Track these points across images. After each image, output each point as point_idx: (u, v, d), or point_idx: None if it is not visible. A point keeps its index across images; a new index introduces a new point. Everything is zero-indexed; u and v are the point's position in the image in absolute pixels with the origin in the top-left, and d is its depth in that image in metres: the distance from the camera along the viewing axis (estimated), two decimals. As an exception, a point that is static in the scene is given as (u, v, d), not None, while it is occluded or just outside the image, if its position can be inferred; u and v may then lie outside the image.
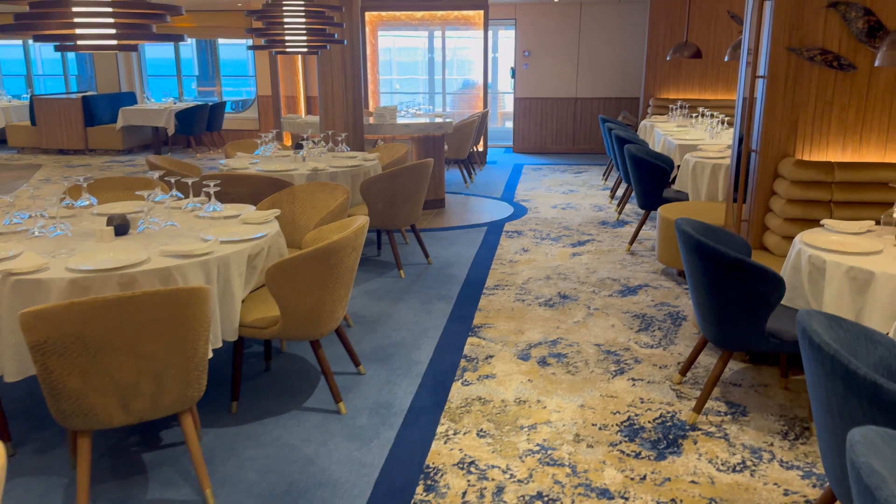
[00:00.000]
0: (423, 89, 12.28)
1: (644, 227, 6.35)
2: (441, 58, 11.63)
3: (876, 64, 2.75)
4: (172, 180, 3.57)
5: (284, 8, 5.14)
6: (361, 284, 4.91)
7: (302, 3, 5.19)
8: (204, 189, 3.41)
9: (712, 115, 7.02)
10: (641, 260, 5.46)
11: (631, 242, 5.74)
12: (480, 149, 10.66)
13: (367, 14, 10.50)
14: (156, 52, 14.87)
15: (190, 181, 3.39)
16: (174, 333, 2.34)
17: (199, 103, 11.58)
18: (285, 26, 5.23)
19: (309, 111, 12.11)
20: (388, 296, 4.68)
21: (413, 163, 5.00)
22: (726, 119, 6.87)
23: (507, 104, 13.98)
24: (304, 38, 5.34)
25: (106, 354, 2.25)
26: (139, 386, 2.35)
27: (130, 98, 12.22)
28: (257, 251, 3.08)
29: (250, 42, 11.66)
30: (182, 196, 3.66)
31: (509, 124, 12.83)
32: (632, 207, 7.30)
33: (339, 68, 6.23)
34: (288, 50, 5.34)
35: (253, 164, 5.26)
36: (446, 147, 8.51)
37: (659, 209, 5.04)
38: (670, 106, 8.56)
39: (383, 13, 10.65)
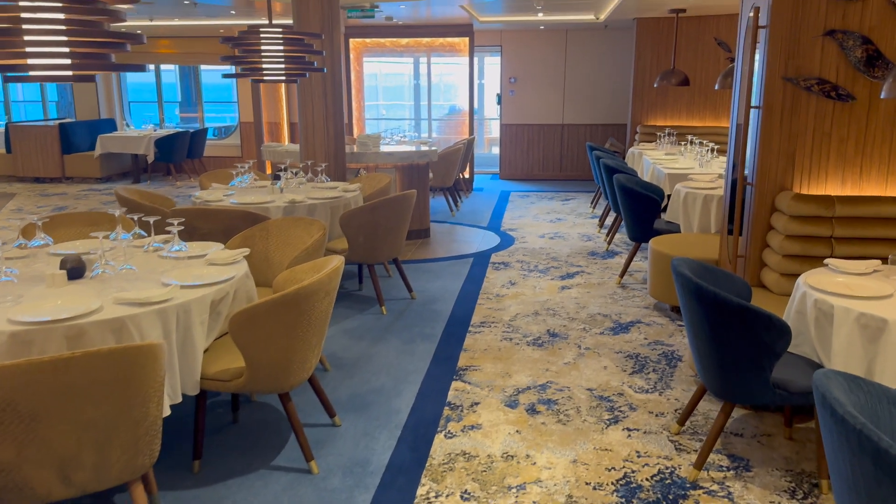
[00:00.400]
0: (409, 115, 12.15)
1: (635, 258, 6.17)
2: (427, 84, 11.52)
3: (882, 96, 2.59)
4: (136, 217, 3.34)
5: (262, 35, 4.96)
6: (340, 322, 4.67)
7: (280, 30, 5.02)
8: (168, 227, 3.18)
9: (701, 144, 6.89)
10: (633, 294, 5.26)
11: (622, 275, 5.55)
12: (467, 175, 10.51)
13: (351, 41, 10.38)
14: (138, 77, 14.68)
15: (153, 219, 3.16)
16: (121, 397, 2.10)
17: (180, 130, 11.37)
18: (262, 54, 5.06)
19: (292, 139, 11.92)
20: (369, 335, 4.44)
21: (395, 194, 4.80)
22: (716, 147, 6.75)
23: (494, 130, 13.87)
24: (283, 66, 5.17)
25: (42, 423, 2.01)
26: (81, 456, 2.10)
27: (110, 125, 11.99)
28: (222, 296, 2.85)
29: (230, 69, 11.50)
30: (145, 234, 3.43)
31: (496, 150, 12.71)
32: (621, 237, 7.14)
33: (320, 96, 6.05)
34: (265, 78, 5.17)
35: (227, 195, 5.04)
36: (431, 175, 8.34)
37: (650, 242, 4.86)
38: (658, 133, 8.45)
39: (367, 40, 10.53)
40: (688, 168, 6.47)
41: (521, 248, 6.79)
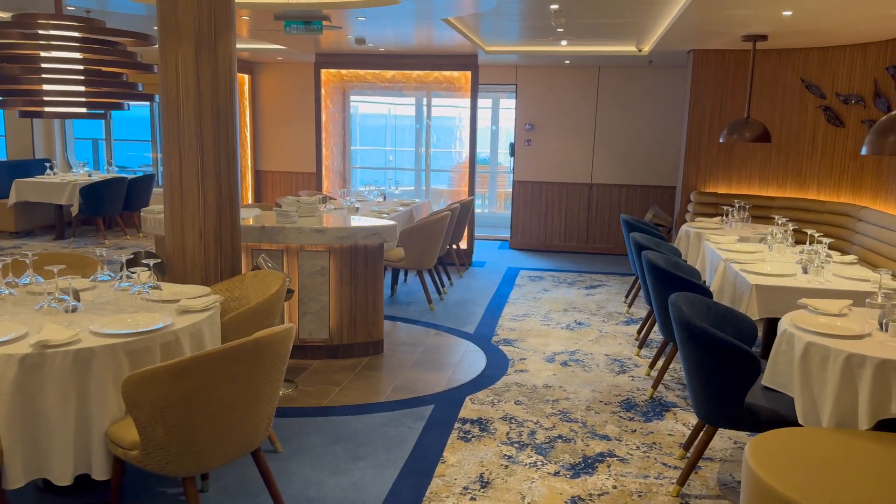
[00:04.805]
0: (412, 165, 10.00)
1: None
2: (427, 128, 9.30)
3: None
4: None
5: (40, 30, 2.76)
6: None
7: (75, 23, 2.82)
8: None
9: (813, 238, 4.25)
10: (705, 531, 2.79)
11: (682, 480, 3.06)
12: (464, 246, 8.16)
13: (322, 72, 8.21)
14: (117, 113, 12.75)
15: None
16: None
17: (115, 176, 9.26)
18: (42, 64, 2.85)
19: (256, 190, 9.75)
20: None
21: (241, 341, 2.42)
22: (825, 239, 4.22)
23: (510, 185, 11.63)
24: (80, 88, 2.96)
25: None
26: None
27: (40, 167, 9.95)
28: None
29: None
30: None
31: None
32: (676, 375, 4.65)
33: (193, 140, 3.76)
34: (46, 109, 2.96)
35: (-48, 320, 2.73)
36: (404, 254, 6.00)
37: (747, 448, 2.40)
38: (725, 207, 6.01)
39: (344, 71, 8.35)
40: (787, 275, 4.01)
41: (515, 382, 4.36)
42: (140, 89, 3.09)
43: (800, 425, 2.78)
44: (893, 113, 2.81)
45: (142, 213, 4.81)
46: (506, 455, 3.38)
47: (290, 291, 3.88)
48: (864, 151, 2.79)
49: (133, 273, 3.11)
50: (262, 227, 4.43)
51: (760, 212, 6.55)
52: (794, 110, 6.63)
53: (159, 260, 3.27)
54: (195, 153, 3.78)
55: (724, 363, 2.82)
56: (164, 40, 3.69)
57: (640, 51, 7.38)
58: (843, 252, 5.41)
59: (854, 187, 6.24)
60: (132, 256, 3.62)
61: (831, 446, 2.47)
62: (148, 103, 10.17)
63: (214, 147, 3.80)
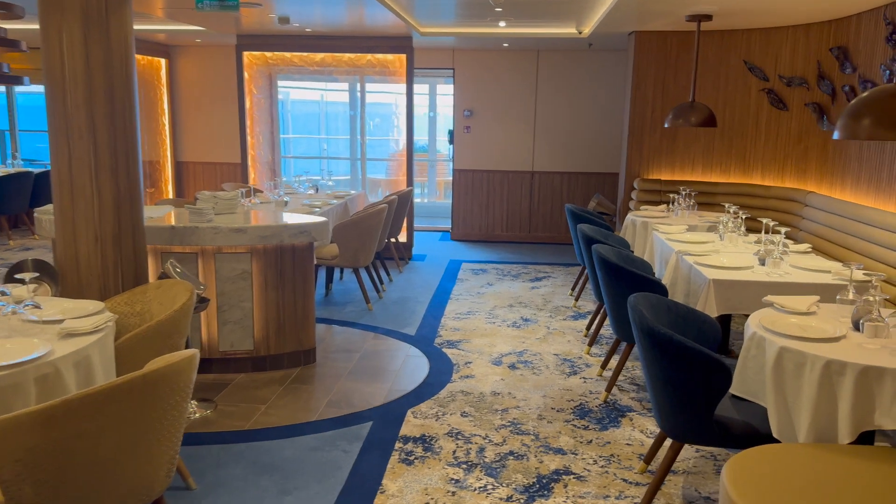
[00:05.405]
0: (347, 154, 9.53)
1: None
2: (360, 114, 8.83)
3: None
4: None
5: None
6: None
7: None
8: None
9: (769, 227, 4.02)
10: (675, 561, 2.51)
11: (647, 501, 2.79)
12: (404, 239, 7.78)
13: (245, 55, 7.64)
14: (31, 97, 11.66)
15: None
16: None
17: (20, 170, 8.46)
18: None
19: (177, 182, 9.10)
20: None
21: (127, 377, 1.98)
22: (782, 228, 4.03)
23: (450, 173, 11.26)
24: None
25: None
26: None
27: (-67, 160, 9.04)
28: None
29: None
30: None
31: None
32: (629, 374, 4.41)
33: (84, 129, 3.25)
34: None
35: None
36: (338, 251, 5.58)
37: (724, 470, 2.13)
38: (669, 194, 5.81)
39: (269, 53, 7.80)
40: (744, 267, 3.79)
41: (461, 390, 4.03)
42: (6, 70, 2.58)
43: (773, 438, 2.53)
44: (865, 95, 2.58)
45: (35, 214, 4.23)
46: (452, 479, 3.04)
47: (204, 300, 3.43)
48: (836, 136, 2.55)
49: (4, 289, 2.61)
50: (172, 227, 3.94)
51: (704, 198, 6.40)
52: (737, 93, 6.49)
53: (36, 275, 2.77)
54: (86, 146, 3.27)
55: (691, 373, 2.54)
56: (46, 17, 3.18)
57: (580, 33, 7.12)
58: (793, 239, 5.28)
59: (799, 171, 6.14)
60: (6, 269, 3.09)
61: (813, 464, 2.22)
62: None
63: (110, 139, 3.30)
